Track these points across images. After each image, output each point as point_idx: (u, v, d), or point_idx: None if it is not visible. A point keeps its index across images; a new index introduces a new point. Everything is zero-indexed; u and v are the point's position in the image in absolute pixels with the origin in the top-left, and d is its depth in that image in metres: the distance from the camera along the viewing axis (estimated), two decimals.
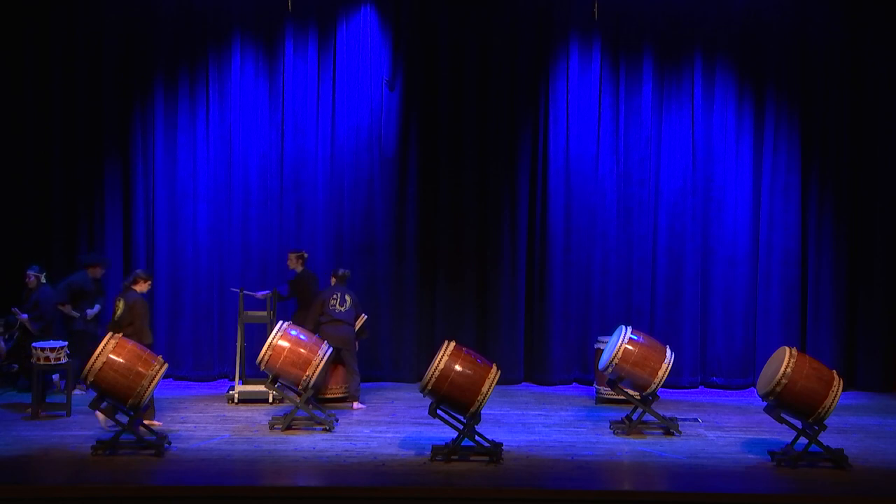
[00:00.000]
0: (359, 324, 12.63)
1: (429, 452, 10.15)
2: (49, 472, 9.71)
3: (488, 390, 10.05)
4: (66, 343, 12.10)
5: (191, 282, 14.00)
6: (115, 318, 11.38)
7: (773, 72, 14.00)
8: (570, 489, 9.35)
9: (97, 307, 13.00)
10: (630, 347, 11.05)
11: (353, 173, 14.10)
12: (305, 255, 13.15)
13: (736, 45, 14.01)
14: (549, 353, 14.13)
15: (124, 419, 10.32)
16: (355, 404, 12.33)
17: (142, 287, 11.51)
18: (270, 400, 12.36)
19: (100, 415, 10.81)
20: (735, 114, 14.05)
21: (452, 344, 10.28)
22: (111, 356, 10.05)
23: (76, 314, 12.83)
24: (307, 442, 10.72)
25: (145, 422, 10.59)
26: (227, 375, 13.83)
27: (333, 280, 12.66)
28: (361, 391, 12.61)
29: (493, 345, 13.88)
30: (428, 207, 14.13)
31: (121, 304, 11.39)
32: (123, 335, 10.47)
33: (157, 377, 10.18)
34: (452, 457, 10.07)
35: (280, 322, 11.51)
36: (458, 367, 10.07)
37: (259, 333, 12.99)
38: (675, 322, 14.08)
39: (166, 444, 10.29)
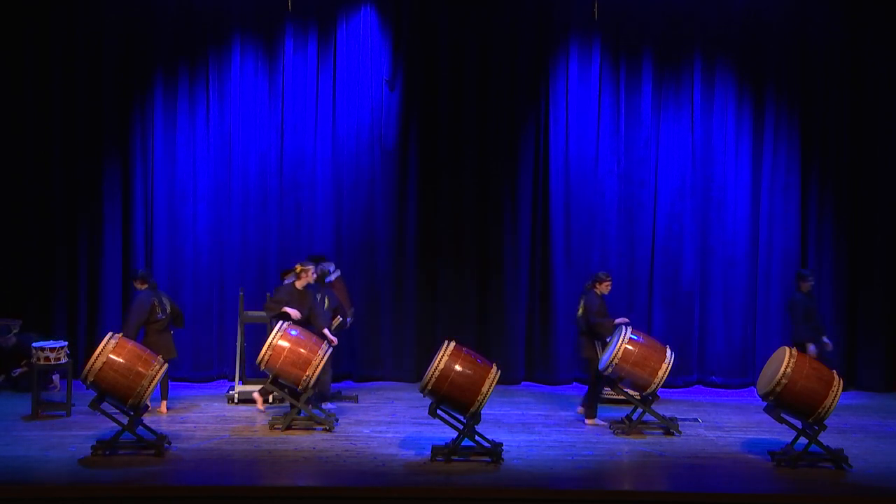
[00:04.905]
0: (335, 323, 12.41)
1: (429, 452, 10.14)
2: (49, 472, 9.69)
3: (488, 390, 10.05)
4: (66, 343, 12.12)
5: (190, 282, 13.97)
6: None
7: (773, 72, 14.00)
8: (570, 489, 9.36)
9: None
10: (630, 347, 11.05)
11: (353, 173, 14.09)
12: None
13: (736, 45, 14.01)
14: (549, 352, 14.12)
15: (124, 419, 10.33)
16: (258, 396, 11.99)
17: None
18: (270, 400, 12.36)
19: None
20: (735, 114, 14.04)
21: (452, 344, 10.29)
22: (111, 356, 10.04)
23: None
24: (307, 442, 10.72)
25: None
26: (226, 376, 13.81)
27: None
28: (361, 391, 12.59)
29: (494, 344, 13.86)
30: (428, 207, 14.12)
31: None
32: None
33: (157, 377, 10.18)
34: (452, 457, 10.06)
35: (280, 322, 11.50)
36: (458, 367, 10.06)
37: (259, 333, 12.98)
38: (675, 322, 14.08)
39: (166, 444, 10.29)
